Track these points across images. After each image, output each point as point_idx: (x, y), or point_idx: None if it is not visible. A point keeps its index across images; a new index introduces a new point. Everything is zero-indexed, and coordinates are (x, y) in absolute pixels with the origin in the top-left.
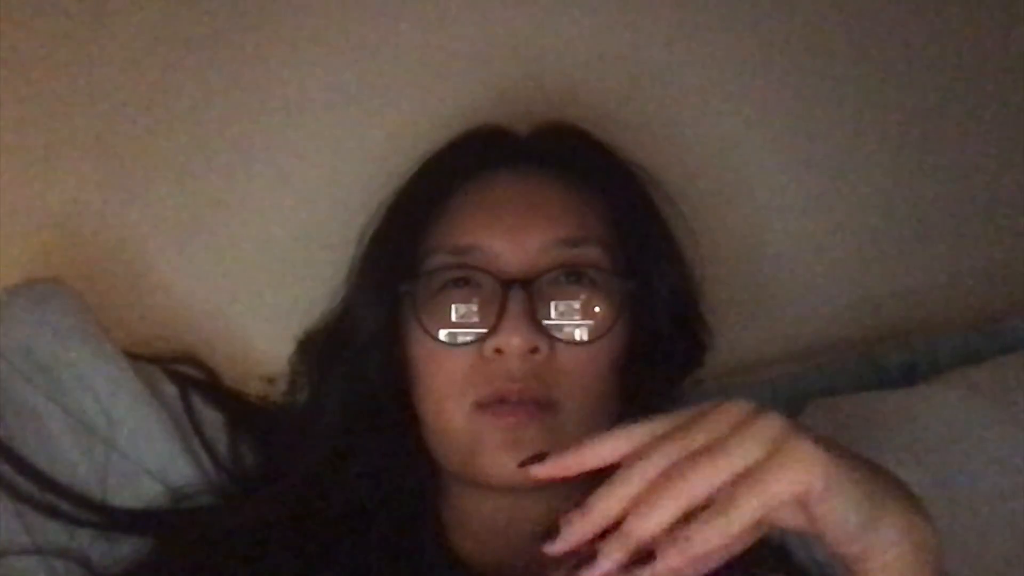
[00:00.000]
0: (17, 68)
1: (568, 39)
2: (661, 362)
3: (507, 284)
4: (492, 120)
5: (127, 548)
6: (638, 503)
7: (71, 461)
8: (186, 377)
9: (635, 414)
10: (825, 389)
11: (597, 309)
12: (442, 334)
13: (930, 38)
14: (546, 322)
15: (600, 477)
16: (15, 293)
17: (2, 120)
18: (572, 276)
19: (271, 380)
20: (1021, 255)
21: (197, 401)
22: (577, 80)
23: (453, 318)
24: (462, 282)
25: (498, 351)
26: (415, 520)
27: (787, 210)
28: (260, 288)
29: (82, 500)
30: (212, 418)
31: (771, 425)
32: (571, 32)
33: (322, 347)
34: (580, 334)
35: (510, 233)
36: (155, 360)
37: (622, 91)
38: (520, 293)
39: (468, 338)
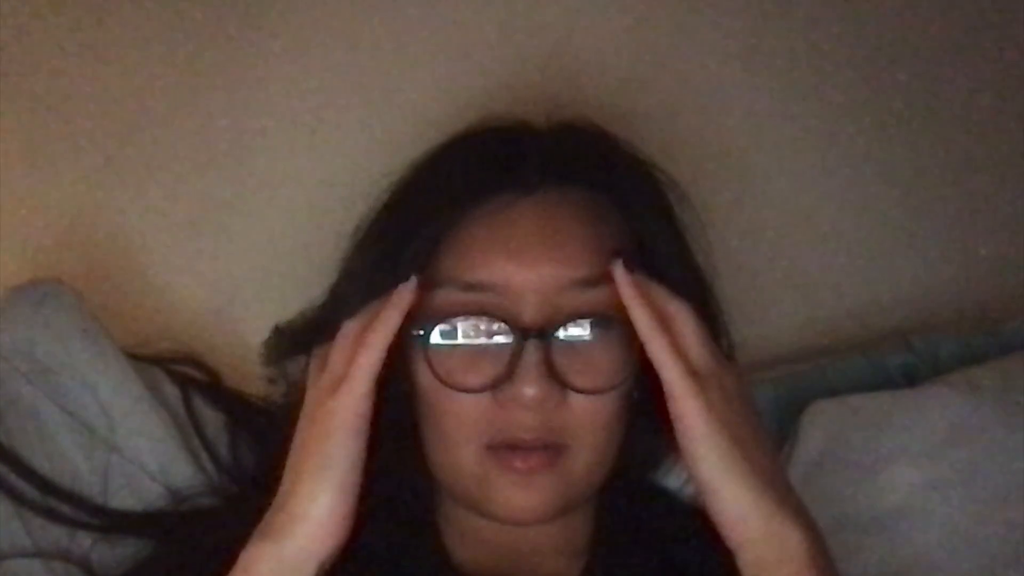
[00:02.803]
0: (18, 69)
1: (576, 31)
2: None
3: (524, 333)
4: (499, 113)
5: (128, 550)
6: None
7: (72, 462)
8: (187, 378)
9: (644, 441)
10: (825, 389)
11: (612, 357)
12: (454, 378)
13: (933, 39)
14: (561, 372)
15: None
16: (16, 294)
17: (3, 121)
18: (589, 323)
19: (271, 380)
20: (1021, 255)
21: (198, 402)
22: (585, 73)
23: (465, 362)
24: (473, 319)
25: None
26: (414, 531)
27: (788, 210)
28: (260, 288)
29: (83, 502)
30: (213, 419)
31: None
32: (579, 24)
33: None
34: (595, 383)
35: (528, 271)
36: (156, 361)
37: (633, 87)
38: (536, 343)
39: (481, 385)
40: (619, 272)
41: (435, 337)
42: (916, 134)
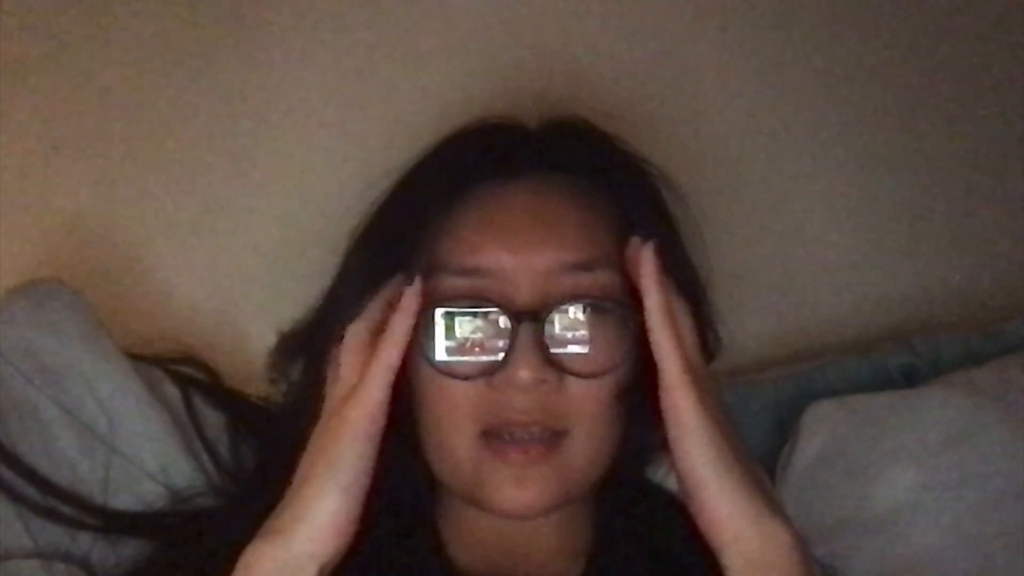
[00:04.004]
0: (19, 70)
1: (575, 30)
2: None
3: (518, 317)
4: (496, 112)
5: (128, 550)
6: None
7: (72, 462)
8: (188, 378)
9: (642, 435)
10: (826, 389)
11: (608, 341)
12: (449, 364)
13: (933, 41)
14: (556, 354)
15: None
16: (17, 294)
17: (4, 122)
18: (583, 306)
19: (272, 380)
20: (1021, 256)
21: (199, 402)
22: (584, 72)
23: (460, 347)
24: (469, 308)
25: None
26: (413, 531)
27: (788, 211)
28: (261, 288)
29: (83, 502)
30: (213, 419)
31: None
32: (578, 23)
33: (315, 356)
34: (590, 367)
35: (521, 255)
36: (156, 361)
37: (630, 84)
38: (531, 326)
39: (475, 370)
40: (648, 253)
41: (426, 319)
42: (916, 134)
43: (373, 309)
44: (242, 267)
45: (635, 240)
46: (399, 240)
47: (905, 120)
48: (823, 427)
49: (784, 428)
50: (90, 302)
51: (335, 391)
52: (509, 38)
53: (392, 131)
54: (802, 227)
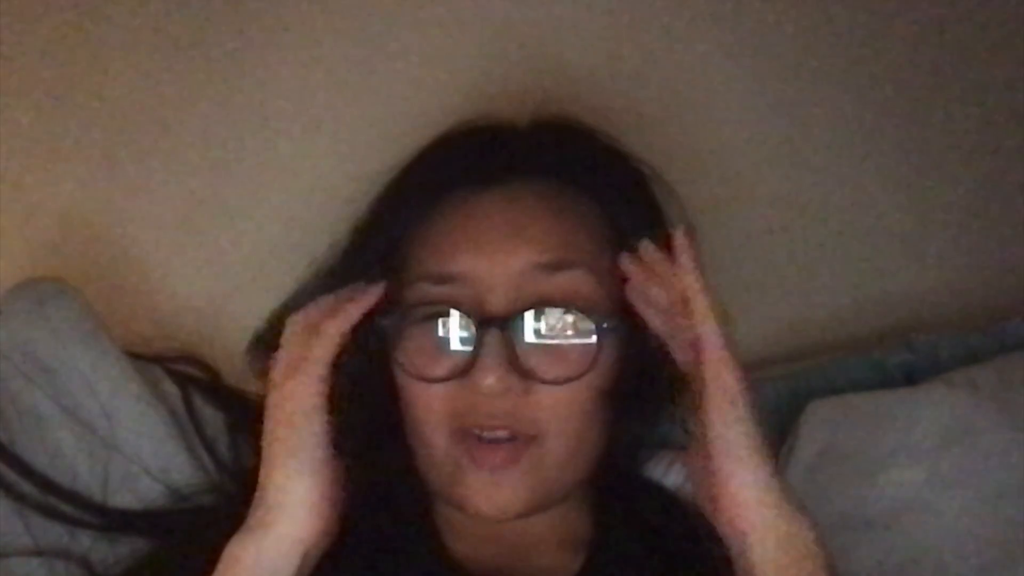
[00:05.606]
0: (19, 69)
1: (570, 32)
2: (652, 385)
3: (483, 323)
4: (492, 113)
5: (127, 548)
6: None
7: (72, 461)
8: (187, 376)
9: (632, 432)
10: (825, 389)
11: (577, 345)
12: (418, 369)
13: (931, 40)
14: (522, 360)
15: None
16: (17, 293)
17: (4, 121)
18: (553, 310)
19: (260, 377)
20: (1021, 255)
21: (198, 401)
22: (579, 73)
23: (430, 353)
24: (440, 313)
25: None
26: (412, 527)
27: (788, 210)
28: (260, 287)
29: (83, 501)
30: (213, 418)
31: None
32: (574, 25)
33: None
34: (558, 373)
35: (493, 259)
36: (156, 359)
37: (624, 85)
38: (496, 332)
39: (443, 375)
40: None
41: (399, 327)
42: (916, 133)
43: (323, 301)
44: (242, 266)
45: (645, 242)
46: (374, 248)
47: (905, 119)
48: (823, 425)
49: (784, 428)
50: (89, 301)
51: (275, 370)
52: (505, 38)
53: (388, 130)
54: (801, 227)
